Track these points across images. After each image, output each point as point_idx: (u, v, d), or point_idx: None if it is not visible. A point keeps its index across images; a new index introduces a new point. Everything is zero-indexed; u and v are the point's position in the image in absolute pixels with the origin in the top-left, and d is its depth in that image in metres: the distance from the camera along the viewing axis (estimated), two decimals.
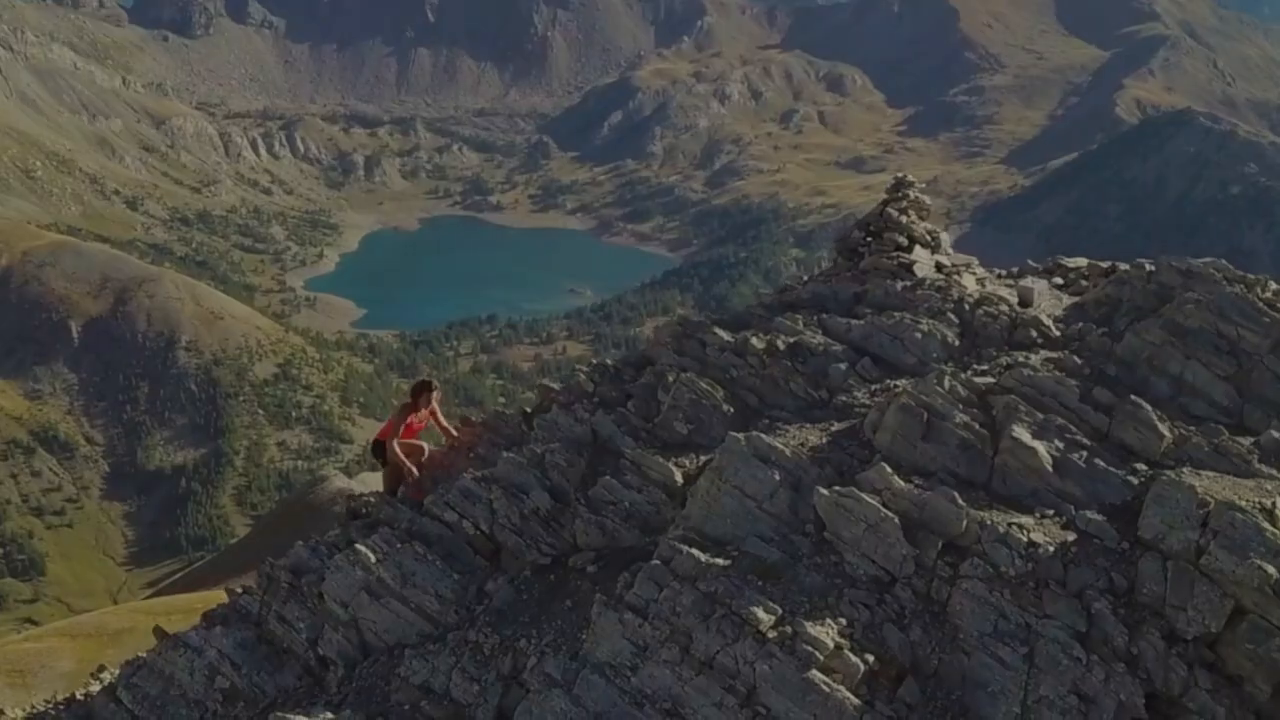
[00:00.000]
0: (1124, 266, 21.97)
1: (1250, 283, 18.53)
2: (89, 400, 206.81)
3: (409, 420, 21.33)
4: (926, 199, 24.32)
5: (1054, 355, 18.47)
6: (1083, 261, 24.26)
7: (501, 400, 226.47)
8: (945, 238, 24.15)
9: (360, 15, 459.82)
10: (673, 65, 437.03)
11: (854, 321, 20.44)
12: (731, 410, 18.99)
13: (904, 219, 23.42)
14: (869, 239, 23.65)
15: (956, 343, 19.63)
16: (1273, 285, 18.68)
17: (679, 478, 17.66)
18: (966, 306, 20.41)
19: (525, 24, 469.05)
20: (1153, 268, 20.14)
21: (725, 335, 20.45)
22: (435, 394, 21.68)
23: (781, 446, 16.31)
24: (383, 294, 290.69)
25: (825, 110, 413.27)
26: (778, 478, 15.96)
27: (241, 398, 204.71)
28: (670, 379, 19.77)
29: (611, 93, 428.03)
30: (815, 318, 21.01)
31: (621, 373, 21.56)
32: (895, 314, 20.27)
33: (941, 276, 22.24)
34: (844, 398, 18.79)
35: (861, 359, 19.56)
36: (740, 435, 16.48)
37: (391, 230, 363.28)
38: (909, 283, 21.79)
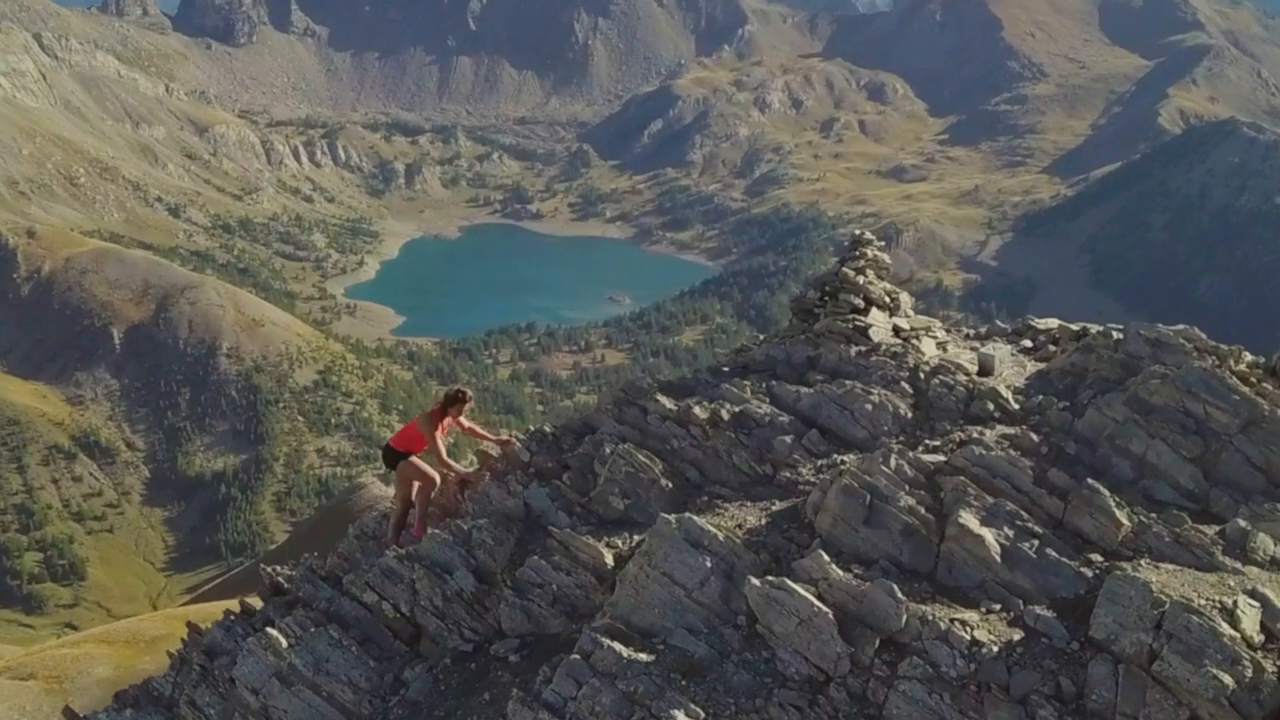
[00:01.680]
0: (1095, 329, 20.68)
1: (1223, 354, 17.67)
2: (130, 406, 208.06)
3: (437, 424, 20.13)
4: (886, 258, 23.08)
5: (1011, 431, 17.24)
6: (1053, 323, 22.74)
7: (540, 409, 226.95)
8: (906, 299, 22.68)
9: (402, 24, 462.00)
10: (713, 74, 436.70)
11: (804, 390, 19.24)
12: (670, 485, 17.85)
13: (861, 279, 22.06)
14: (824, 300, 22.23)
15: (909, 415, 18.40)
16: (1247, 357, 17.88)
17: (609, 560, 16.55)
18: (922, 375, 19.24)
19: (566, 32, 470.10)
20: (1120, 335, 18.92)
21: (668, 403, 19.28)
22: (469, 404, 20.43)
23: (714, 530, 15.17)
24: (422, 302, 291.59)
25: (866, 119, 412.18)
26: (709, 565, 14.87)
27: (282, 404, 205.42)
28: (607, 450, 18.61)
29: (652, 101, 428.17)
30: (764, 384, 19.82)
31: (560, 440, 20.40)
32: (847, 383, 19.03)
33: (899, 342, 20.80)
34: (788, 473, 17.56)
35: (809, 431, 18.34)
36: (671, 517, 15.28)
37: (432, 238, 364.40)
38: (864, 348, 20.50)
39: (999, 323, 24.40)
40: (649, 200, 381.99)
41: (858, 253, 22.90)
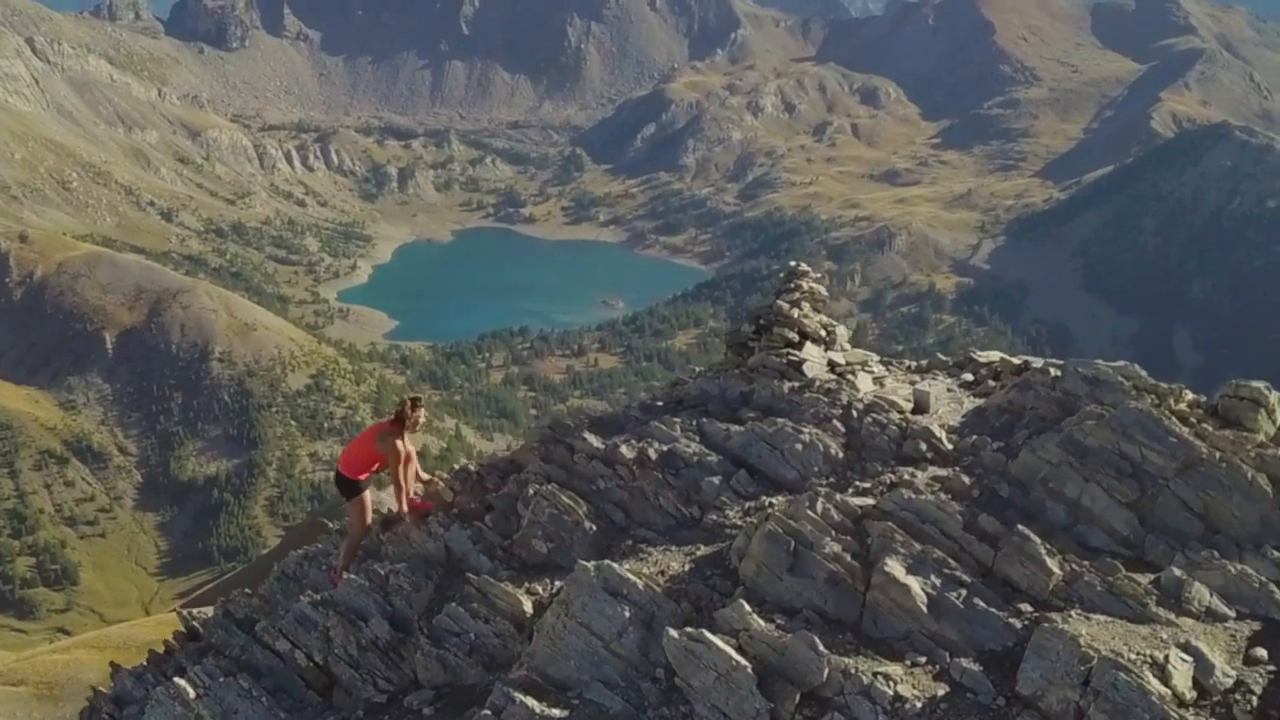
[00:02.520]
0: (1037, 364, 20.12)
1: (1163, 393, 17.10)
2: (123, 411, 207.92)
3: (399, 452, 18.72)
4: (822, 289, 22.43)
5: (943, 473, 16.72)
6: (995, 356, 22.11)
7: (533, 412, 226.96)
8: (842, 332, 22.08)
9: (395, 28, 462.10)
10: (706, 78, 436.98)
11: (734, 428, 18.66)
12: (594, 528, 17.26)
13: (795, 312, 21.40)
14: (759, 333, 21.60)
15: (840, 455, 17.82)
16: (1188, 396, 17.33)
17: (528, 607, 16.02)
18: (855, 413, 18.64)
19: (559, 37, 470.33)
20: (1059, 373, 18.28)
21: (595, 442, 18.72)
22: (420, 413, 19.03)
23: (634, 578, 14.62)
24: (415, 306, 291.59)
25: (859, 123, 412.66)
26: (628, 614, 14.25)
27: (274, 409, 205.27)
28: (530, 491, 17.99)
29: (645, 105, 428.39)
30: (695, 422, 19.23)
31: (485, 480, 19.93)
32: (778, 421, 18.45)
33: (833, 377, 20.22)
34: (715, 516, 17.02)
35: (738, 471, 17.75)
36: (590, 565, 14.75)
37: (425, 242, 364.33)
38: (797, 384, 19.92)
39: (940, 355, 23.66)
40: (642, 204, 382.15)
41: (793, 284, 22.19)
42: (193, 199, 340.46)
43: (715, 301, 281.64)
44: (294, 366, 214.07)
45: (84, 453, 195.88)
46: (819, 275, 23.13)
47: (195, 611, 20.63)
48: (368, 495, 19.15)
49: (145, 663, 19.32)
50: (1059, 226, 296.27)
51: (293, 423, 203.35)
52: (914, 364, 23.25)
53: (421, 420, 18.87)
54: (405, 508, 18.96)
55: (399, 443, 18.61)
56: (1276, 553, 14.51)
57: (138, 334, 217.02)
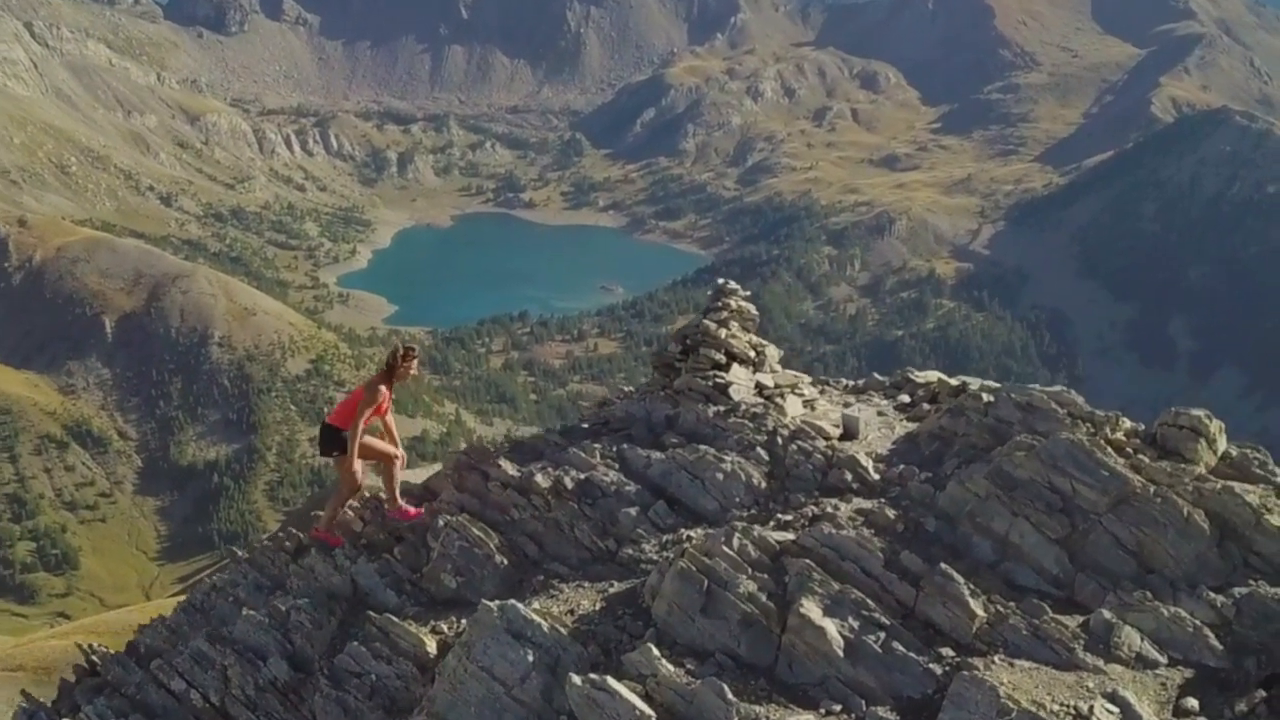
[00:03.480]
0: (974, 385, 19.12)
1: (1099, 421, 16.31)
2: (122, 395, 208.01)
3: (379, 398, 17.88)
4: (751, 307, 21.30)
5: (867, 505, 15.91)
6: (933, 376, 21.24)
7: (533, 397, 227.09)
8: (773, 352, 21.09)
9: (394, 12, 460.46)
10: (706, 62, 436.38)
11: (655, 455, 17.74)
12: (505, 562, 16.56)
13: (723, 332, 20.34)
14: (685, 354, 20.52)
15: (763, 485, 16.99)
16: (1125, 424, 16.56)
17: (432, 648, 15.34)
18: (780, 440, 17.75)
19: (559, 21, 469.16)
20: (991, 398, 17.32)
21: (510, 469, 17.90)
22: (414, 362, 18.31)
23: (539, 619, 13.93)
24: (415, 291, 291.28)
25: (859, 108, 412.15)
26: (531, 659, 13.56)
27: (274, 393, 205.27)
28: (440, 523, 17.22)
29: (644, 90, 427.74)
30: (616, 448, 18.34)
31: None
32: (700, 448, 17.53)
33: (761, 401, 19.27)
34: (631, 550, 16.27)
35: (656, 502, 16.93)
36: (493, 605, 14.09)
37: (424, 227, 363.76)
38: (723, 408, 18.98)
39: (877, 375, 22.66)
40: (641, 189, 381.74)
41: (720, 303, 21.07)
42: (192, 184, 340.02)
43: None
44: (294, 351, 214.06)
45: (84, 437, 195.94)
46: (746, 294, 21.95)
47: (97, 645, 19.61)
48: (355, 460, 18.12)
49: (38, 705, 18.76)
50: (1058, 212, 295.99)
51: (292, 407, 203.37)
52: (850, 384, 22.45)
53: (413, 371, 18.24)
54: (354, 462, 17.96)
55: (382, 387, 17.82)
56: (1213, 594, 13.68)
57: (137, 319, 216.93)
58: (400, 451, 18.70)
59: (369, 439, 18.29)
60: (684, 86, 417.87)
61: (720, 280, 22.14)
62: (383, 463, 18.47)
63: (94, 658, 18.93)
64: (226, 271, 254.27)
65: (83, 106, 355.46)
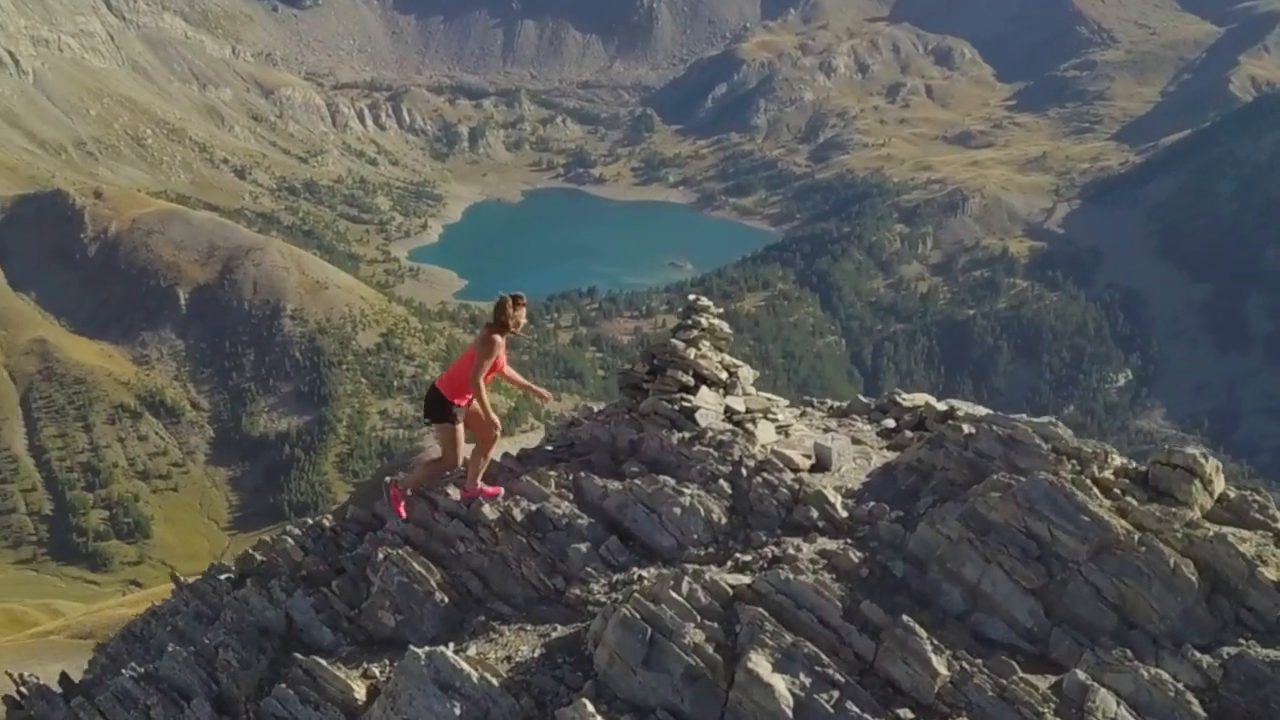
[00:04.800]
0: (963, 410, 18.12)
1: (1086, 458, 15.05)
2: (195, 366, 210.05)
3: (496, 351, 16.73)
4: (724, 325, 19.60)
5: (832, 546, 14.78)
6: (921, 400, 19.99)
7: (601, 373, 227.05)
8: (746, 374, 19.46)
9: None
10: (778, 38, 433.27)
11: (613, 485, 16.56)
12: (446, 600, 15.60)
13: (692, 352, 18.80)
14: (653, 374, 18.99)
15: (723, 521, 15.82)
16: (1115, 461, 15.31)
17: (361, 693, 14.31)
18: (744, 472, 16.48)
19: None
20: (972, 429, 16.02)
21: (459, 497, 16.99)
22: (524, 313, 17.20)
23: (469, 669, 13.06)
24: (485, 265, 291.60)
25: (933, 84, 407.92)
26: (459, 711, 12.73)
27: (344, 366, 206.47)
28: (380, 556, 16.25)
29: (716, 65, 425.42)
30: (572, 476, 17.15)
31: (340, 538, 17.97)
32: (659, 479, 16.39)
33: (729, 427, 17.89)
34: (579, 590, 15.21)
35: (609, 538, 15.83)
36: (421, 651, 13.25)
37: (494, 202, 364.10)
38: (688, 434, 17.64)
39: (862, 398, 21.46)
40: (712, 165, 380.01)
41: (691, 320, 19.48)
42: (266, 157, 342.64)
43: (784, 264, 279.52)
44: (364, 325, 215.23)
45: (157, 407, 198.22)
46: (718, 311, 20.18)
47: (28, 675, 18.63)
48: (460, 428, 17.15)
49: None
50: (1134, 191, 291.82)
51: (363, 380, 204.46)
52: (834, 405, 21.18)
53: (523, 321, 17.16)
54: (490, 415, 17.12)
55: (496, 338, 16.78)
56: (1199, 654, 12.43)
57: (210, 291, 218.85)
58: (497, 423, 17.54)
59: (459, 432, 17.24)
60: (756, 62, 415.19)
61: (691, 296, 20.43)
62: (477, 436, 17.42)
63: (23, 689, 18.18)
64: (299, 245, 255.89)
65: (158, 79, 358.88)
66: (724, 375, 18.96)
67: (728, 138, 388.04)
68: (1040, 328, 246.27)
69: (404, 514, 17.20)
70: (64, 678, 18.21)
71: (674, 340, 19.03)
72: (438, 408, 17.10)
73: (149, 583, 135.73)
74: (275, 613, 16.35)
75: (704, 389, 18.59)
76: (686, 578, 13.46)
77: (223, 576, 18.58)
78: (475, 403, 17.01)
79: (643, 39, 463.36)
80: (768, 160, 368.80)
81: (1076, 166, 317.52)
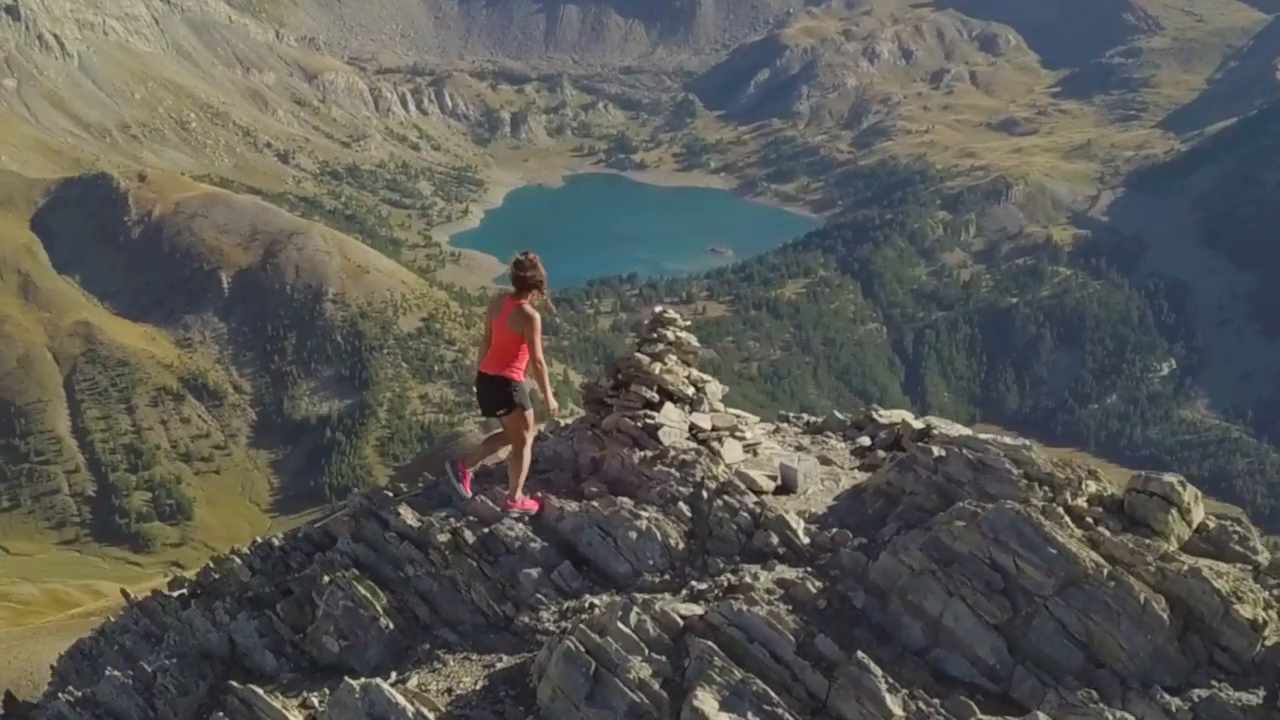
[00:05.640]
0: (940, 429, 17.20)
1: (1059, 484, 14.11)
2: (238, 349, 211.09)
3: (536, 318, 15.75)
4: (693, 339, 18.58)
5: (791, 574, 13.85)
6: (898, 417, 18.89)
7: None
8: (715, 389, 18.40)
9: None
10: (822, 23, 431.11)
11: (569, 507, 15.75)
12: (392, 626, 14.83)
13: (657, 367, 17.76)
14: (617, 388, 17.94)
15: (681, 546, 14.98)
16: (1090, 488, 14.27)
17: None
18: (705, 494, 15.59)
19: None
20: (942, 451, 15.05)
21: (410, 518, 15.96)
22: (541, 276, 16.09)
23: (405, 703, 12.42)
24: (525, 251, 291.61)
25: (977, 70, 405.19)
26: None
27: (386, 350, 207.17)
28: (325, 579, 15.50)
29: (759, 51, 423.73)
30: (531, 496, 16.29)
31: (289, 557, 17.11)
32: (617, 500, 15.58)
33: (694, 446, 16.91)
34: (527, 618, 14.41)
35: (562, 563, 15.05)
36: (356, 684, 12.61)
37: (536, 187, 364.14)
38: (650, 453, 16.68)
39: (837, 413, 20.29)
40: (754, 151, 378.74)
41: (656, 334, 18.40)
42: (309, 141, 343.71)
43: (826, 250, 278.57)
44: (406, 309, 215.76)
45: (199, 390, 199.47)
46: (686, 323, 19.07)
47: None
48: (531, 411, 16.25)
49: None
50: (1179, 179, 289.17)
51: (404, 365, 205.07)
52: (810, 420, 20.17)
53: (543, 276, 16.09)
54: (551, 400, 16.21)
55: (526, 306, 15.79)
56: (1167, 696, 11.61)
57: (253, 274, 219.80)
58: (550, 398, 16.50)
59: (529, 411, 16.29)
60: (799, 48, 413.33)
61: (658, 308, 19.23)
62: (513, 442, 16.38)
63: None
64: (341, 229, 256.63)
65: (202, 63, 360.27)
66: (690, 391, 17.98)
67: (770, 124, 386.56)
68: (1084, 316, 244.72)
69: (469, 492, 16.43)
70: (8, 698, 17.78)
71: (638, 354, 17.98)
72: (504, 393, 16.05)
73: (190, 564, 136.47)
74: (219, 636, 15.78)
75: (668, 405, 17.65)
76: (635, 608, 12.72)
77: (177, 594, 17.96)
78: (539, 374, 16.12)
79: (685, 24, 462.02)
80: (810, 146, 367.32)
81: (1121, 154, 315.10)
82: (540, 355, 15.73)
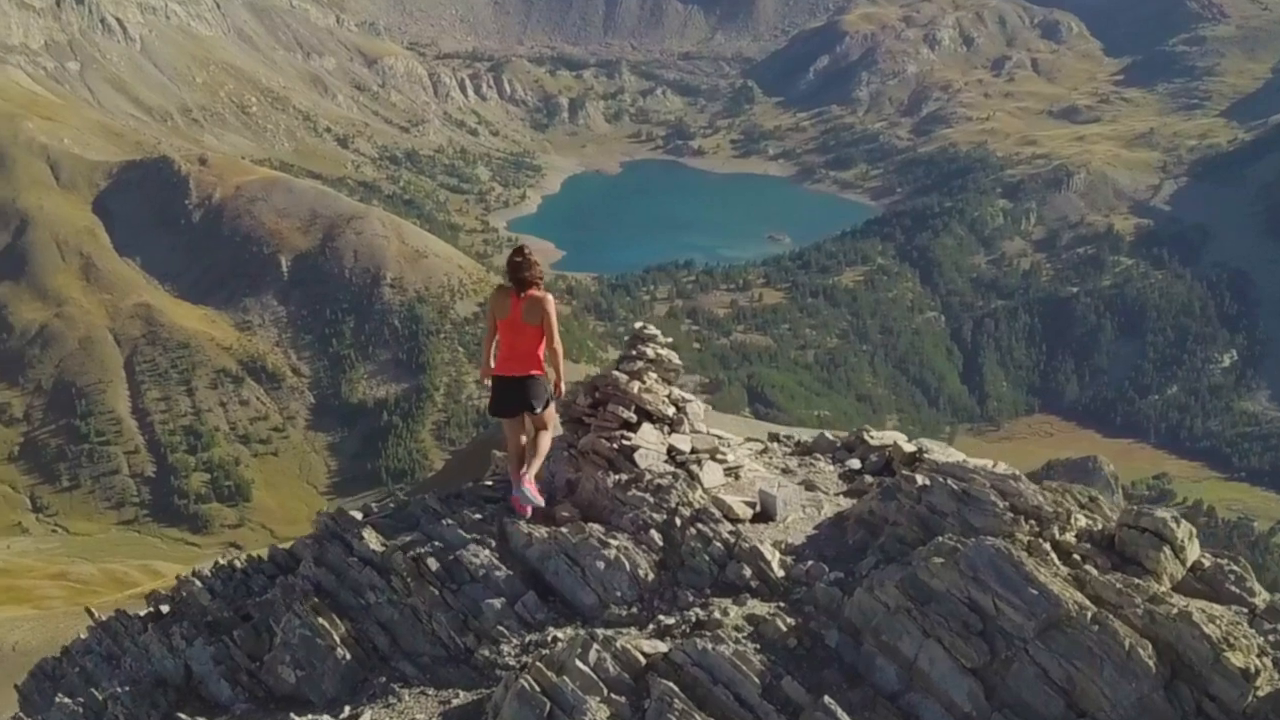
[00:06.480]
0: (933, 454, 16.42)
1: (1047, 518, 13.11)
2: (296, 333, 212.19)
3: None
4: (674, 357, 17.55)
5: (763, 610, 12.96)
6: (890, 439, 17.96)
7: (696, 346, 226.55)
8: (697, 409, 17.35)
9: None
10: (882, 10, 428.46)
11: (538, 533, 14.92)
12: (349, 657, 14.15)
13: (635, 385, 16.78)
14: (595, 407, 16.91)
15: (650, 577, 14.13)
16: (1079, 522, 13.37)
17: None
18: (678, 522, 14.66)
19: None
20: (926, 480, 14.08)
21: (375, 542, 15.25)
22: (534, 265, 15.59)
23: None
24: (582, 237, 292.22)
25: (1039, 58, 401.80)
26: None
27: (442, 335, 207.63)
28: (284, 604, 14.93)
29: (818, 37, 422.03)
30: (499, 521, 15.45)
31: (250, 581, 16.51)
32: (587, 527, 14.77)
33: (671, 470, 15.90)
34: (488, 651, 13.61)
35: (526, 593, 14.25)
36: None
37: (593, 173, 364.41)
38: (626, 476, 15.73)
39: (828, 435, 19.38)
40: (812, 138, 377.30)
41: (636, 351, 17.44)
42: (368, 126, 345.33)
43: (884, 238, 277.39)
44: (462, 294, 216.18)
45: (258, 373, 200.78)
46: (667, 340, 18.18)
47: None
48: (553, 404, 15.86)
49: None
50: (1242, 168, 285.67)
51: (460, 349, 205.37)
52: (800, 441, 19.19)
53: (542, 270, 15.67)
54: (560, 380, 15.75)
55: (535, 293, 15.30)
56: None
57: (312, 258, 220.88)
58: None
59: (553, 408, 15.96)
60: (859, 34, 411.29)
61: (638, 324, 18.26)
62: (545, 428, 15.82)
63: None
64: (399, 214, 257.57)
65: (263, 47, 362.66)
66: (671, 411, 16.95)
67: (829, 110, 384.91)
68: (1144, 306, 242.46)
69: (543, 500, 15.53)
70: None
71: (616, 372, 17.05)
72: (535, 391, 15.54)
73: (248, 545, 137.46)
74: (174, 662, 15.30)
75: (646, 426, 16.64)
76: (595, 645, 12.01)
77: (143, 613, 17.44)
78: (556, 365, 15.67)
79: (744, 10, 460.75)
80: (869, 133, 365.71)
81: (1184, 143, 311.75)
82: (558, 340, 15.35)
